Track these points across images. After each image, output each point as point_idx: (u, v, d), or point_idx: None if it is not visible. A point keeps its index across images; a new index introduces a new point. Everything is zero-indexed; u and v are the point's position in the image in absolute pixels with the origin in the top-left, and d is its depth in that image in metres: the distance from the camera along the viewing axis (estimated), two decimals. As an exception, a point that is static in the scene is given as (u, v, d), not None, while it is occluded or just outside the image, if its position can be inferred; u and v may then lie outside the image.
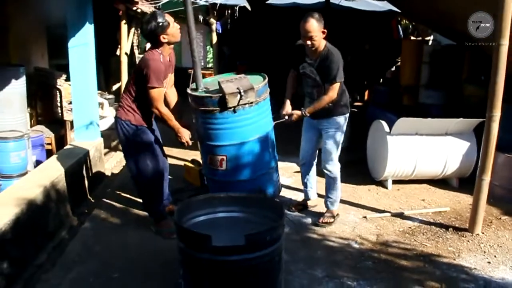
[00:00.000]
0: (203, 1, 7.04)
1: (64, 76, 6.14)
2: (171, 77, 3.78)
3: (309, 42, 3.65)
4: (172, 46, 3.64)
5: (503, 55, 3.47)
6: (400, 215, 4.25)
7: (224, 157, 3.60)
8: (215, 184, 3.79)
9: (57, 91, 6.04)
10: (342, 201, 4.28)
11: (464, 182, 4.95)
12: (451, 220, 4.18)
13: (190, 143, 3.68)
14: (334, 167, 3.99)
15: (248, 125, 3.57)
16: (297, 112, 3.84)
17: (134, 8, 6.34)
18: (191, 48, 3.73)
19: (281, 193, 4.33)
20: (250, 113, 3.53)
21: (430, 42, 9.17)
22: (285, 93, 4.02)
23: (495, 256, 3.54)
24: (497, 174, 4.46)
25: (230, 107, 3.43)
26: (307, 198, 4.34)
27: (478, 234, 3.87)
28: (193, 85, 3.79)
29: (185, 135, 3.66)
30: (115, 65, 8.94)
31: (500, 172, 4.53)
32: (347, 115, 3.96)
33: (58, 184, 4.00)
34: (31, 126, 5.72)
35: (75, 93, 5.14)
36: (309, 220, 4.11)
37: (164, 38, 3.49)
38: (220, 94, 3.43)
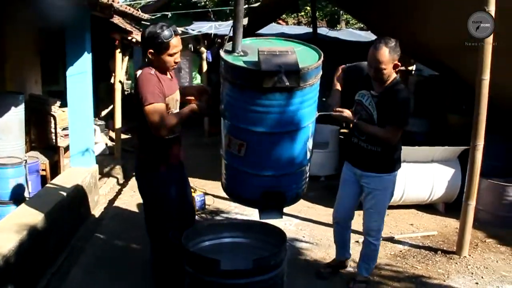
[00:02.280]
0: (196, 31, 7.28)
1: (58, 103, 6.25)
2: (178, 95, 3.09)
3: (373, 73, 3.09)
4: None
5: (485, 89, 3.73)
6: (391, 239, 4.42)
7: (244, 143, 2.88)
8: (231, 172, 3.11)
9: (52, 118, 6.13)
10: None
11: (449, 207, 5.16)
12: (439, 244, 4.36)
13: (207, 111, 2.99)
14: (379, 235, 3.42)
15: (283, 114, 2.81)
16: (348, 113, 3.16)
17: (129, 38, 6.52)
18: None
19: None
20: (288, 99, 2.76)
21: (413, 72, 9.55)
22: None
23: (482, 277, 3.72)
24: (481, 199, 4.67)
25: (263, 88, 2.68)
26: (339, 257, 3.68)
27: (465, 257, 4.05)
28: (228, 46, 2.93)
29: (198, 107, 2.94)
30: (104, 91, 9.09)
31: (484, 197, 4.75)
32: (397, 172, 3.33)
33: (58, 210, 4.07)
34: (25, 153, 5.78)
35: (72, 121, 5.24)
36: (302, 245, 4.25)
37: (150, 55, 2.84)
38: (254, 68, 2.70)
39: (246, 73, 2.73)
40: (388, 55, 2.99)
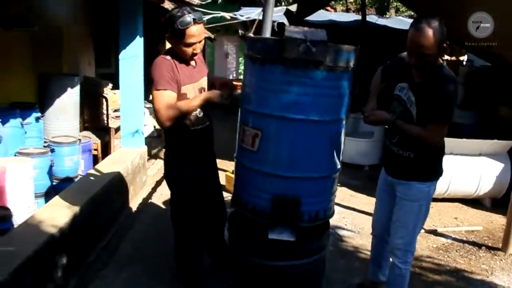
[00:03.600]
0: (244, 18, 7.33)
1: (110, 85, 6.49)
2: (202, 84, 2.87)
3: (415, 60, 2.52)
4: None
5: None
6: (434, 232, 4.38)
7: (259, 133, 2.55)
8: (241, 172, 2.81)
9: (104, 100, 6.38)
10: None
11: (497, 202, 5.03)
12: (484, 239, 4.29)
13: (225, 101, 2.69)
14: (406, 257, 2.80)
15: (305, 95, 2.45)
16: (382, 113, 2.66)
17: (179, 23, 6.65)
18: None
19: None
20: (312, 78, 2.42)
21: (464, 63, 9.25)
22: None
23: (528, 276, 3.65)
24: (531, 196, 4.54)
25: (285, 59, 2.38)
26: (373, 279, 3.21)
27: (511, 254, 3.97)
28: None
29: (213, 96, 2.68)
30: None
31: (534, 194, 4.61)
32: (436, 182, 2.77)
33: (108, 188, 4.26)
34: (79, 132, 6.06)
35: (123, 103, 5.42)
36: (344, 233, 4.28)
37: (169, 40, 2.66)
38: (277, 38, 2.49)
39: (267, 44, 2.54)
40: (432, 38, 2.41)
